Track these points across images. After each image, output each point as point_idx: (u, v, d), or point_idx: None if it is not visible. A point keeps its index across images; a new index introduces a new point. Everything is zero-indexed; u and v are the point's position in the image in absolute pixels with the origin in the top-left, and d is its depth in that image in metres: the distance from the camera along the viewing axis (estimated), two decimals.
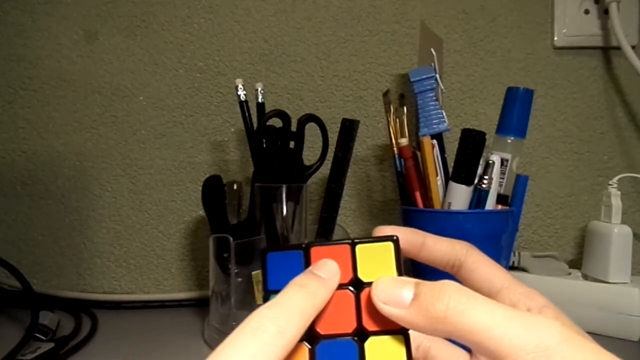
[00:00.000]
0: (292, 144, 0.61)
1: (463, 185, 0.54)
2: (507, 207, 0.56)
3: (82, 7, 0.73)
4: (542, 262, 0.66)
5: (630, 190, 0.74)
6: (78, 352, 0.57)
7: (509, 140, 0.56)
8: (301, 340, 0.23)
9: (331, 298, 0.24)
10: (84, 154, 0.74)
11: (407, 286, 0.24)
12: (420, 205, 0.57)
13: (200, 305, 0.70)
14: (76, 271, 0.74)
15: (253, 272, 0.57)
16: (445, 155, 0.58)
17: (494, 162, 0.53)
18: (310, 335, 0.24)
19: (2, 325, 0.64)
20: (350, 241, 0.26)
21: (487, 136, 0.55)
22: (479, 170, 0.54)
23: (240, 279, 0.59)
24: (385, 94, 0.60)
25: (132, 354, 0.57)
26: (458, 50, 0.74)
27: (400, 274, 0.25)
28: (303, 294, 0.23)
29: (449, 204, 0.55)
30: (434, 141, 0.56)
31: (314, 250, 0.25)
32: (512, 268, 0.66)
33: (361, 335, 0.24)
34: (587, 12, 0.74)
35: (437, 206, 0.56)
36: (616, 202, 0.63)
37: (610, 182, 0.64)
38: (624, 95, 0.75)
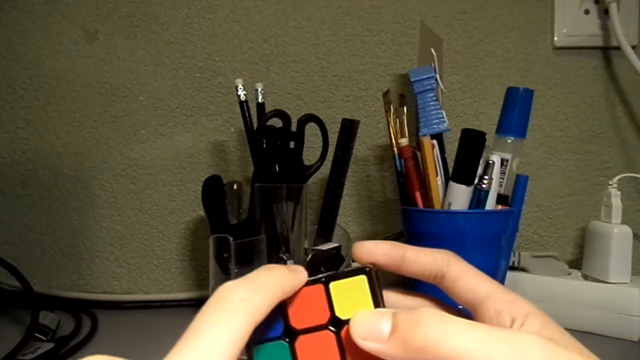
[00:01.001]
0: (292, 144, 0.61)
1: (463, 185, 0.54)
2: (507, 207, 0.56)
3: (82, 7, 0.73)
4: (542, 262, 0.66)
5: (630, 190, 0.74)
6: (78, 352, 0.57)
7: (509, 140, 0.56)
8: None
9: (314, 341, 0.25)
10: (84, 154, 0.74)
11: (385, 318, 0.23)
12: (420, 205, 0.57)
13: (200, 305, 0.70)
14: (76, 271, 0.74)
15: None
16: (445, 155, 0.58)
17: (494, 162, 0.53)
18: None
19: (2, 325, 0.64)
20: (323, 279, 0.26)
21: (487, 136, 0.55)
22: (479, 170, 0.54)
23: None
24: (385, 94, 0.60)
25: (132, 354, 0.57)
26: (458, 50, 0.74)
27: (377, 304, 0.25)
28: (270, 272, 0.24)
29: (449, 204, 0.55)
30: (434, 141, 0.56)
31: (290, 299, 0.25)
32: (512, 268, 0.66)
33: None
34: (587, 12, 0.74)
35: (437, 206, 0.55)
36: (616, 202, 0.63)
37: (610, 182, 0.64)
38: (624, 95, 0.75)
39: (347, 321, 0.25)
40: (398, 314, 0.23)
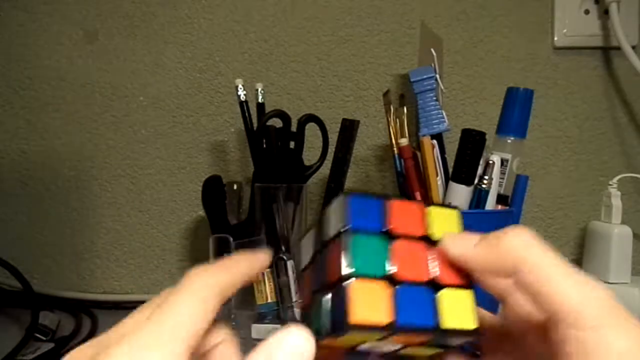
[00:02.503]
0: (292, 144, 0.61)
1: (463, 186, 0.54)
2: (507, 207, 0.56)
3: (82, 7, 0.73)
4: None
5: (630, 191, 0.74)
6: None
7: (509, 141, 0.55)
8: (383, 280, 0.24)
9: (408, 247, 0.26)
10: (84, 154, 0.74)
11: (475, 234, 0.26)
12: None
13: None
14: (76, 271, 0.74)
15: None
16: (445, 155, 0.58)
17: (494, 162, 0.53)
18: (391, 280, 0.25)
19: (2, 325, 0.64)
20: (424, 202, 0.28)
21: (487, 136, 0.55)
22: (479, 171, 0.54)
23: None
24: (385, 94, 0.60)
25: None
26: (458, 50, 0.74)
27: None
28: (234, 258, 0.26)
29: (449, 204, 0.55)
30: (434, 141, 0.56)
31: (393, 203, 0.27)
32: None
33: (435, 285, 0.25)
34: (587, 12, 0.74)
35: None
36: (616, 202, 0.63)
37: (610, 183, 0.64)
38: (624, 95, 0.75)
39: (436, 242, 0.26)
40: (488, 234, 0.25)
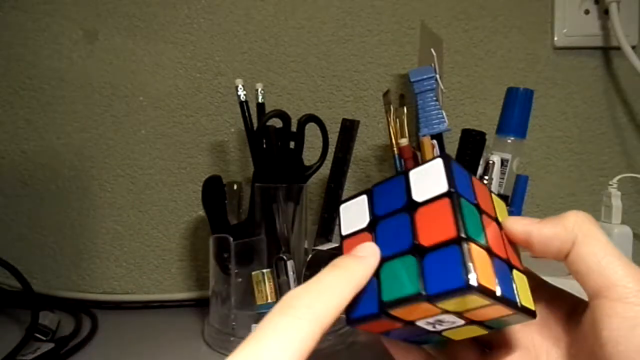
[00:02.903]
0: (292, 144, 0.61)
1: None
2: (507, 207, 0.56)
3: (82, 7, 0.73)
4: (542, 262, 0.66)
5: (630, 191, 0.74)
6: (78, 352, 0.57)
7: (509, 141, 0.55)
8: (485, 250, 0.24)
9: (491, 226, 0.26)
10: (84, 154, 0.74)
11: (532, 219, 0.27)
12: None
13: (200, 305, 0.70)
14: (76, 271, 0.74)
15: (253, 272, 0.58)
16: None
17: (494, 163, 0.53)
18: (489, 251, 0.25)
19: (2, 325, 0.65)
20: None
21: (487, 136, 0.55)
22: (479, 171, 0.54)
23: (240, 279, 0.59)
24: (385, 94, 0.60)
25: (132, 354, 0.57)
26: (458, 50, 0.74)
27: None
28: (335, 272, 0.24)
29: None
30: (434, 141, 0.56)
31: (474, 179, 0.28)
32: None
33: (509, 265, 0.26)
34: (587, 12, 0.74)
35: None
36: (616, 202, 0.63)
37: (610, 182, 0.64)
38: (624, 95, 0.75)
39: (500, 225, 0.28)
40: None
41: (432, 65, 0.58)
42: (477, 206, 0.26)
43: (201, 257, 0.74)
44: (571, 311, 0.28)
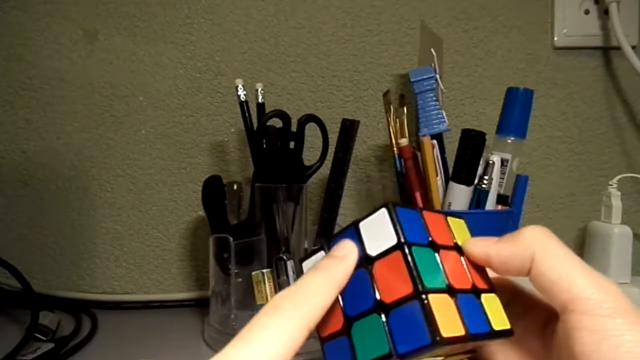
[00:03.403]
0: (292, 144, 0.61)
1: (463, 186, 0.54)
2: (507, 208, 0.56)
3: (82, 7, 0.73)
4: None
5: (630, 190, 0.74)
6: (78, 352, 0.57)
7: (509, 141, 0.56)
8: (445, 293, 0.24)
9: (450, 258, 0.26)
10: (84, 154, 0.74)
11: (491, 237, 0.27)
12: (421, 205, 0.57)
13: (200, 305, 0.70)
14: (76, 271, 0.74)
15: (253, 272, 0.58)
16: (445, 156, 0.58)
17: (494, 163, 0.53)
18: (450, 291, 0.25)
19: (2, 325, 0.65)
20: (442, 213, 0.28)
21: (487, 136, 0.55)
22: (479, 171, 0.54)
23: (240, 279, 0.59)
24: (385, 94, 0.60)
25: (132, 354, 0.57)
26: (458, 50, 0.74)
27: None
28: (318, 274, 0.25)
29: (449, 204, 0.55)
30: (434, 141, 0.56)
31: (425, 214, 0.27)
32: None
33: (475, 291, 0.26)
34: (587, 12, 0.74)
35: (437, 206, 0.55)
36: (616, 202, 0.63)
37: (610, 182, 0.64)
38: (624, 95, 0.75)
39: (460, 249, 0.27)
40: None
41: (432, 65, 0.58)
42: (432, 243, 0.26)
43: (201, 257, 0.74)
44: (547, 321, 0.27)
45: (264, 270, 0.57)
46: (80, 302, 0.71)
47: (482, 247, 0.26)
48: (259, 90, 0.62)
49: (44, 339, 0.58)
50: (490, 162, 0.53)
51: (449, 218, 0.28)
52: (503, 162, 0.55)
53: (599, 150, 0.75)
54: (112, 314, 0.70)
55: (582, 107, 0.75)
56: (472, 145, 0.54)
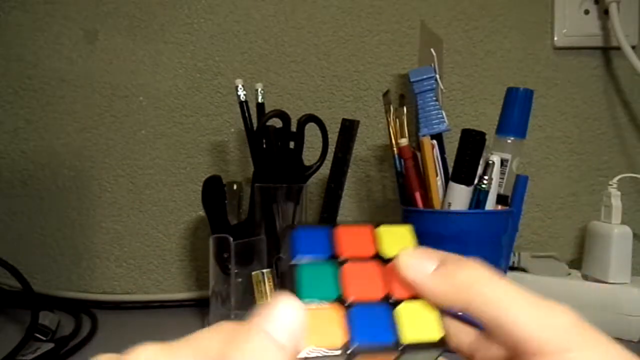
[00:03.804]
0: (292, 144, 0.61)
1: (463, 186, 0.54)
2: (507, 208, 0.56)
3: (82, 7, 0.73)
4: (542, 263, 0.66)
5: (630, 191, 0.74)
6: (78, 352, 0.57)
7: (509, 141, 0.55)
8: (334, 304, 0.24)
9: (360, 269, 0.25)
10: (84, 154, 0.74)
11: (433, 255, 0.24)
12: (420, 205, 0.57)
13: (200, 305, 0.70)
14: (76, 271, 0.74)
15: (253, 272, 0.57)
16: (445, 156, 0.58)
17: (493, 163, 0.53)
18: (343, 302, 0.24)
19: (2, 325, 0.64)
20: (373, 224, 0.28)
21: (487, 136, 0.55)
22: (479, 171, 0.54)
23: (240, 279, 0.59)
24: (385, 94, 0.60)
25: None
26: (458, 50, 0.74)
27: None
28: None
29: (449, 204, 0.55)
30: (434, 141, 0.56)
31: (339, 229, 0.27)
32: (512, 268, 0.66)
33: (394, 301, 0.25)
34: (587, 12, 0.74)
35: (437, 206, 0.55)
36: (616, 202, 0.63)
37: (610, 183, 0.64)
38: (624, 95, 0.75)
39: (391, 259, 0.26)
40: (448, 255, 0.24)
41: (432, 65, 0.58)
42: (336, 258, 0.26)
43: (201, 257, 0.74)
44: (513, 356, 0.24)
45: (264, 270, 0.57)
46: (80, 302, 0.71)
47: (415, 273, 0.24)
48: (259, 90, 0.62)
49: (44, 339, 0.58)
50: (490, 162, 0.53)
51: (383, 228, 0.27)
52: (503, 162, 0.55)
53: (599, 150, 0.75)
54: (112, 314, 0.70)
55: (582, 107, 0.75)
56: (472, 145, 0.53)
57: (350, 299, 0.24)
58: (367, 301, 0.25)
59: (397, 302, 0.25)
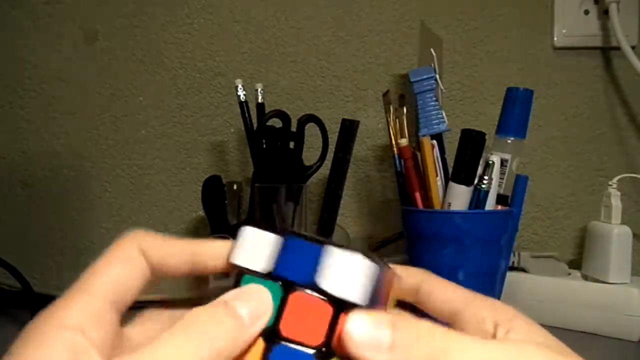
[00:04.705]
0: (292, 144, 0.61)
1: (463, 186, 0.54)
2: (507, 208, 0.56)
3: (82, 7, 0.73)
4: (542, 263, 0.66)
5: (630, 191, 0.74)
6: None
7: (508, 141, 0.55)
8: (261, 334, 0.22)
9: (308, 302, 0.23)
10: (84, 154, 0.74)
11: (384, 329, 0.21)
12: (420, 205, 0.57)
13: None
14: (76, 271, 0.74)
15: None
16: (445, 156, 0.58)
17: (493, 163, 0.53)
18: (272, 334, 0.22)
19: (2, 325, 0.64)
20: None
21: (487, 136, 0.55)
22: (479, 171, 0.54)
23: None
24: (385, 94, 0.60)
25: None
26: (458, 50, 0.74)
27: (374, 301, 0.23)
28: (183, 337, 0.23)
29: (449, 204, 0.55)
30: (434, 141, 0.56)
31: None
32: (512, 268, 0.66)
33: (325, 353, 0.22)
34: (587, 12, 0.73)
35: (437, 207, 0.55)
36: (616, 202, 0.63)
37: (610, 183, 0.64)
38: (624, 95, 0.75)
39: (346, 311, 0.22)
40: (397, 324, 0.21)
41: (432, 65, 0.58)
42: (283, 283, 0.23)
43: None
44: None
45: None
46: None
47: (369, 356, 0.21)
48: (259, 90, 0.62)
49: None
50: (490, 162, 0.53)
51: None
52: (503, 162, 0.55)
53: (599, 150, 0.75)
54: None
55: (582, 107, 0.75)
56: (472, 145, 0.53)
57: (283, 335, 0.22)
58: (297, 342, 0.22)
59: (332, 355, 0.22)
